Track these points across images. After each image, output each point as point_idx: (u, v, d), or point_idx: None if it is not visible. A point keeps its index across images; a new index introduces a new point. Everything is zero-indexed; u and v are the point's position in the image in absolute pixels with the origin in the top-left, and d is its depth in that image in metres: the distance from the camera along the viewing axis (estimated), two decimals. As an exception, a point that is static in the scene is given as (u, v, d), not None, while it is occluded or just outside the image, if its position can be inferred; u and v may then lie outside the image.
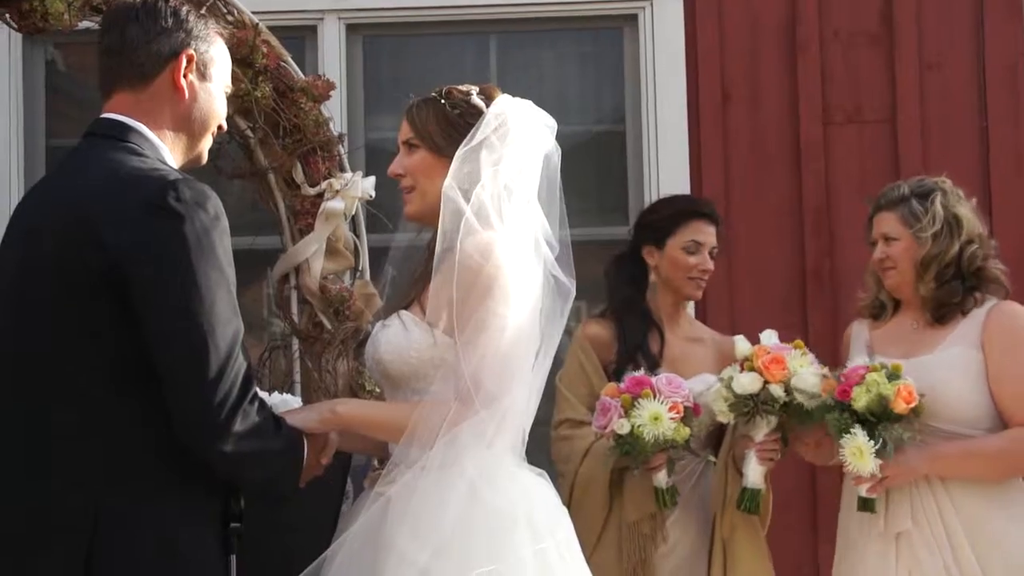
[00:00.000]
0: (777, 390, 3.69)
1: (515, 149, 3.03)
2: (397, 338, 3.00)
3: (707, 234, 4.11)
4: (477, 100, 3.09)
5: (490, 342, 2.89)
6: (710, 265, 4.11)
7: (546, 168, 3.10)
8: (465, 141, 3.01)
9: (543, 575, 2.86)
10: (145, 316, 2.57)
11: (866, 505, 3.64)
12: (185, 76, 2.77)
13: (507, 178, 3.01)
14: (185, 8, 2.81)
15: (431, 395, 2.95)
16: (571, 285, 3.09)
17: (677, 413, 3.71)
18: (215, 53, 2.84)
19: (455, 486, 2.88)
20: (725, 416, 3.77)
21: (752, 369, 3.72)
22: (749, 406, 3.71)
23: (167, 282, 2.56)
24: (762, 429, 3.75)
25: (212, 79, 2.83)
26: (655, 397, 3.71)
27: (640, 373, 3.82)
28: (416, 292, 3.06)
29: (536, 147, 3.08)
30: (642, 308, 4.10)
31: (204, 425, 2.58)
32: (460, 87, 3.12)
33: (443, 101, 3.09)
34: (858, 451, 3.54)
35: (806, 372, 3.70)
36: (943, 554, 3.62)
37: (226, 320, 2.60)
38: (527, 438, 3.05)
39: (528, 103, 3.14)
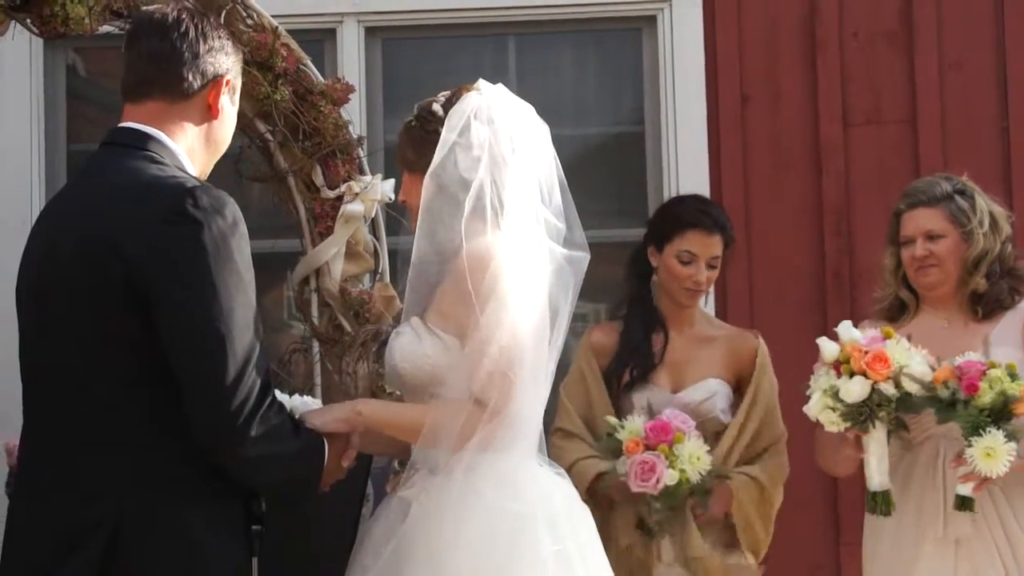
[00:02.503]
0: (888, 388, 3.49)
1: (491, 142, 2.99)
2: (411, 346, 3.00)
3: (704, 245, 3.97)
4: (437, 107, 3.07)
5: (498, 347, 2.88)
6: (703, 277, 3.96)
7: (537, 146, 3.05)
8: (436, 155, 2.98)
9: None
10: (164, 323, 2.58)
11: (965, 504, 3.50)
12: (218, 98, 2.81)
13: (492, 176, 2.98)
14: (227, 31, 2.86)
15: (447, 398, 2.95)
16: (583, 257, 3.05)
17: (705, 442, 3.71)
18: (239, 79, 2.90)
19: (474, 491, 2.88)
20: (836, 426, 3.54)
21: (853, 372, 3.51)
22: (865, 413, 3.50)
23: (185, 289, 2.58)
24: (880, 433, 3.54)
25: (235, 103, 2.88)
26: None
27: (650, 419, 3.76)
28: (433, 297, 3.06)
29: (519, 135, 3.03)
30: (646, 306, 4.05)
31: (222, 429, 2.60)
32: (433, 98, 3.10)
33: (411, 119, 3.10)
34: (992, 451, 3.38)
35: (917, 362, 3.51)
36: (1004, 560, 3.57)
37: (244, 325, 2.61)
38: (544, 440, 3.06)
39: (500, 88, 3.10)
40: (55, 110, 5.35)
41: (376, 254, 4.42)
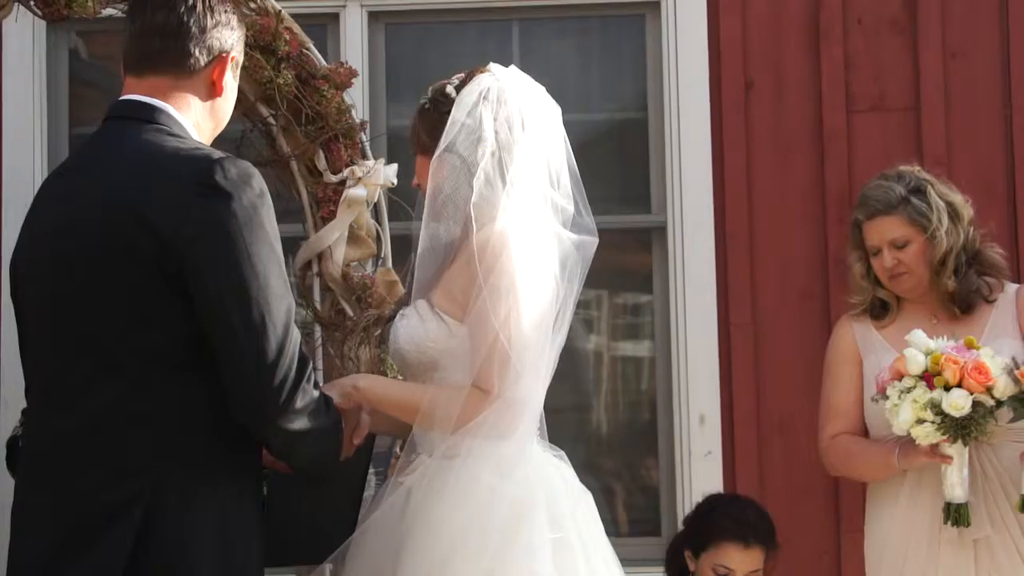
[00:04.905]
0: (987, 400, 3.38)
1: (500, 122, 2.98)
2: (415, 329, 2.99)
3: (740, 560, 3.84)
4: (450, 89, 3.05)
5: (501, 327, 2.88)
6: None
7: (547, 127, 3.03)
8: (444, 136, 2.97)
9: (561, 564, 2.86)
10: (201, 296, 2.56)
11: None
12: (222, 75, 2.79)
13: (500, 158, 2.97)
14: (231, 4, 2.83)
15: (449, 382, 2.94)
16: (592, 242, 3.05)
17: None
18: (242, 54, 2.88)
19: (474, 477, 2.88)
20: (930, 438, 3.39)
21: (948, 384, 3.39)
22: (969, 427, 3.36)
23: (222, 261, 2.56)
24: (960, 443, 3.40)
25: (236, 78, 2.87)
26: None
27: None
28: (439, 280, 3.05)
29: (529, 116, 3.02)
30: None
31: (266, 404, 2.58)
32: (447, 80, 3.08)
33: (424, 101, 3.08)
34: None
35: (1005, 380, 3.41)
36: None
37: (280, 296, 2.61)
38: (544, 421, 3.05)
39: (512, 70, 3.08)
40: (57, 94, 5.34)
41: (379, 239, 4.42)
